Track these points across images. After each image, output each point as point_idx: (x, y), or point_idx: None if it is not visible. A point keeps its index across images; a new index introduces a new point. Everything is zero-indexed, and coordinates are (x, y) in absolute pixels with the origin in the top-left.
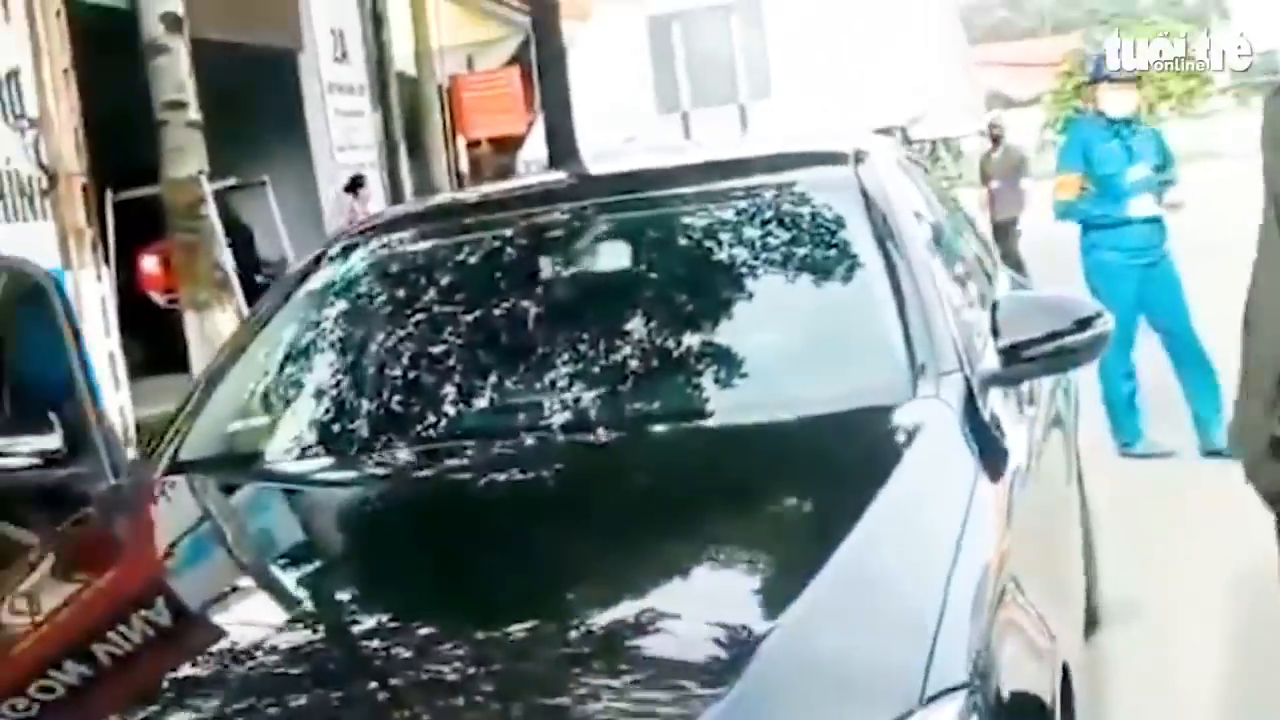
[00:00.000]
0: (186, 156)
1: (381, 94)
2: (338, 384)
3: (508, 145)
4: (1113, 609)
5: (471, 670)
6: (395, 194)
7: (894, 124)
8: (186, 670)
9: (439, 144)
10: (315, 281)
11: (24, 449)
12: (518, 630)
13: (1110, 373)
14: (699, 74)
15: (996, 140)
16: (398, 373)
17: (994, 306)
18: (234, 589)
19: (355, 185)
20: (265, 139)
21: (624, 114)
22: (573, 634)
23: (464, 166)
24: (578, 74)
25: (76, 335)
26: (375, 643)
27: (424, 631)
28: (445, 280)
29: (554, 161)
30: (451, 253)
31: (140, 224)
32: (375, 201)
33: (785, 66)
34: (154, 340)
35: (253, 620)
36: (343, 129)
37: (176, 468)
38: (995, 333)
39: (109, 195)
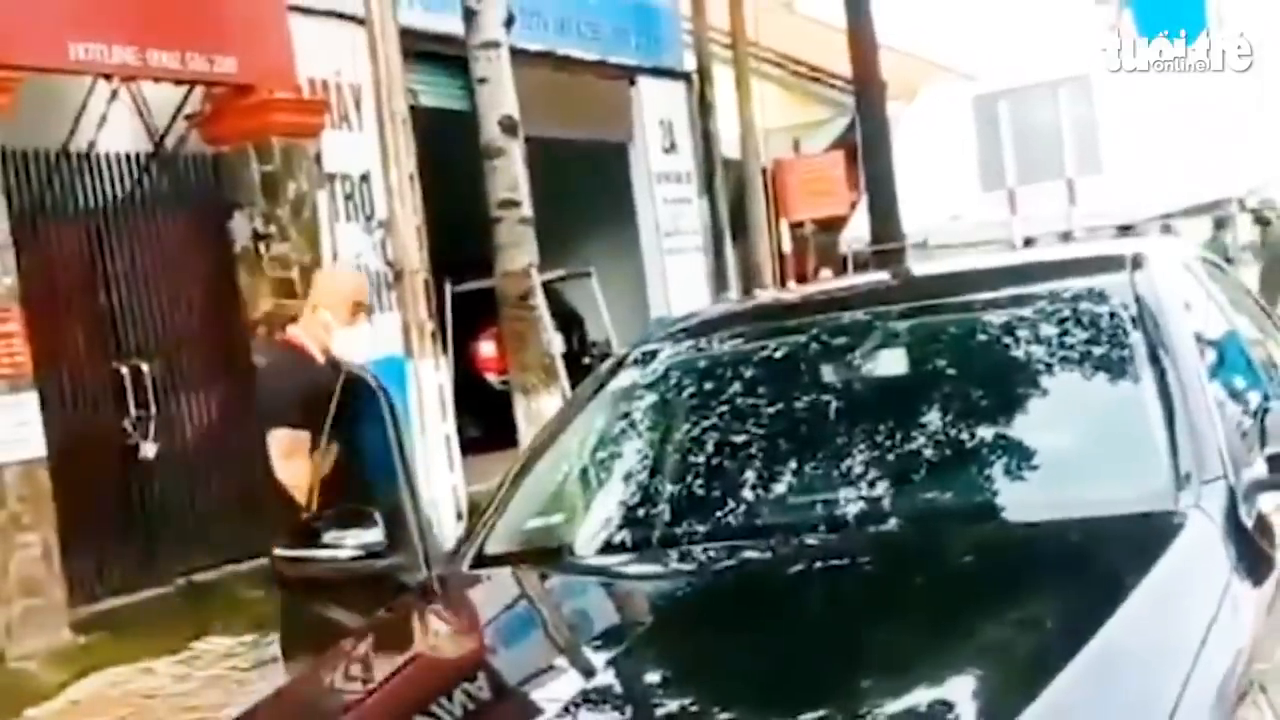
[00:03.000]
0: (518, 251)
1: (708, 180)
2: (632, 484)
3: (831, 226)
4: None
5: None
6: (719, 277)
7: (1230, 195)
8: None
9: (762, 226)
10: (614, 385)
11: (350, 541)
12: (809, 717)
13: None
14: (1025, 151)
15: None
16: (694, 472)
17: (1263, 413)
18: (526, 679)
19: None
20: (593, 227)
21: (948, 192)
22: None
23: (786, 248)
24: (902, 152)
25: (400, 437)
26: None
27: (723, 717)
28: (736, 384)
29: (876, 241)
30: (742, 358)
31: (474, 309)
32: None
33: (1116, 140)
34: (488, 419)
35: (545, 709)
36: (669, 216)
37: (481, 561)
38: (1262, 440)
39: (448, 286)
